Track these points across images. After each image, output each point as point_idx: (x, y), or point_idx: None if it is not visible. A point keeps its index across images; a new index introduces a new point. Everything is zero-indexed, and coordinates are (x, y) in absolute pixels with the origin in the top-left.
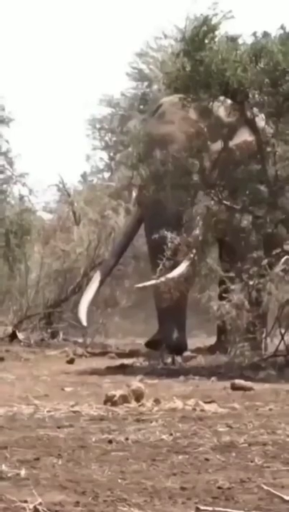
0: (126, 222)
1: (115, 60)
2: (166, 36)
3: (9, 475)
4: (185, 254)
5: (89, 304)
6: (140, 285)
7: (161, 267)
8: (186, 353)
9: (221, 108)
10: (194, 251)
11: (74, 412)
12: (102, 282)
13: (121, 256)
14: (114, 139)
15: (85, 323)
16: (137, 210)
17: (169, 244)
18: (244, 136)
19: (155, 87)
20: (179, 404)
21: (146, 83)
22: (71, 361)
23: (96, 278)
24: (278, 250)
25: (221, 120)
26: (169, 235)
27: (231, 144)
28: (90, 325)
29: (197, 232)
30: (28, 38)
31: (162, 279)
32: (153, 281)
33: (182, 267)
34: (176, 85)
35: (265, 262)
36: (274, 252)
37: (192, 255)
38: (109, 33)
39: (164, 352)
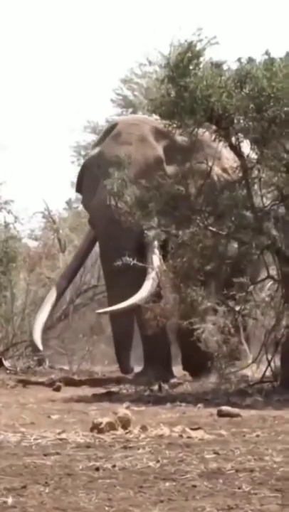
0: (80, 244)
1: (100, 87)
2: (150, 62)
3: None
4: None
5: (42, 327)
6: (101, 311)
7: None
8: (173, 380)
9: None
10: (157, 274)
11: (61, 439)
12: (55, 304)
13: (73, 279)
14: None
15: (40, 347)
16: (90, 231)
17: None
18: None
19: (140, 113)
20: (165, 431)
21: (130, 109)
22: (57, 389)
23: (48, 300)
24: (264, 276)
25: (177, 143)
26: (128, 260)
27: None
28: (76, 352)
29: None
30: (12, 64)
31: (125, 304)
32: (122, 304)
33: (144, 291)
34: (161, 111)
35: (251, 287)
36: (260, 278)
37: (153, 277)
38: (93, 59)
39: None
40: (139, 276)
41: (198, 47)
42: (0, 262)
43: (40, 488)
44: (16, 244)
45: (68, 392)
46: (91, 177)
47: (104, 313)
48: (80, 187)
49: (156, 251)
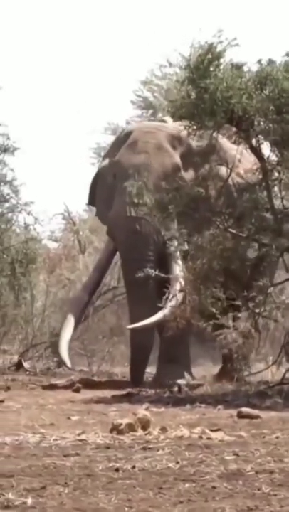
0: (98, 255)
1: (120, 88)
2: (170, 64)
3: (16, 503)
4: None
5: (68, 344)
6: (131, 326)
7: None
8: (192, 382)
9: (193, 137)
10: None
11: (80, 440)
12: (78, 320)
13: (94, 292)
14: None
15: (69, 365)
16: (109, 241)
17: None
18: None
19: (160, 115)
20: (185, 432)
21: (151, 111)
22: (77, 390)
23: (71, 317)
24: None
25: (193, 149)
26: (150, 271)
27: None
28: (96, 353)
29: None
30: (32, 65)
31: (154, 319)
32: (148, 320)
33: (171, 306)
34: (181, 113)
35: (271, 289)
36: (280, 280)
37: (178, 289)
38: (114, 60)
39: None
40: (161, 287)
41: (219, 48)
42: (20, 263)
43: (60, 488)
44: (35, 245)
45: (88, 393)
46: (105, 187)
47: (134, 328)
48: (92, 199)
49: (180, 262)
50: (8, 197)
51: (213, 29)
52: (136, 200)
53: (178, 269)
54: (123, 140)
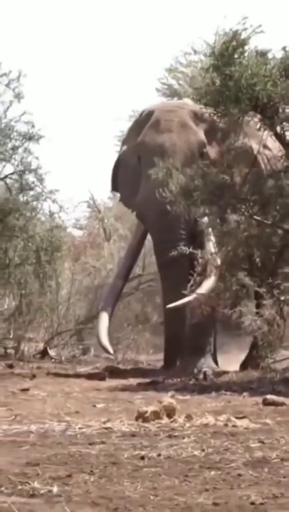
0: (129, 240)
1: (145, 76)
2: (195, 51)
3: (41, 492)
4: (212, 269)
5: (107, 332)
6: (172, 305)
7: (192, 282)
8: (218, 369)
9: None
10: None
11: (106, 428)
12: (114, 307)
13: (128, 277)
14: None
15: (111, 351)
16: (139, 225)
17: (200, 260)
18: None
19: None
20: (210, 419)
21: (175, 98)
22: (102, 378)
23: (106, 303)
24: None
25: (216, 125)
26: (188, 250)
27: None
28: (121, 341)
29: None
30: (58, 52)
31: (194, 295)
32: (186, 299)
33: (211, 282)
34: (206, 100)
35: None
36: None
37: (217, 270)
38: (138, 48)
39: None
40: (194, 267)
41: (243, 36)
42: (45, 251)
43: (86, 476)
44: (60, 233)
45: (113, 381)
46: (129, 172)
47: (175, 307)
48: (115, 185)
49: (213, 238)
50: (33, 185)
51: (238, 16)
52: (164, 180)
53: (212, 245)
54: (144, 121)
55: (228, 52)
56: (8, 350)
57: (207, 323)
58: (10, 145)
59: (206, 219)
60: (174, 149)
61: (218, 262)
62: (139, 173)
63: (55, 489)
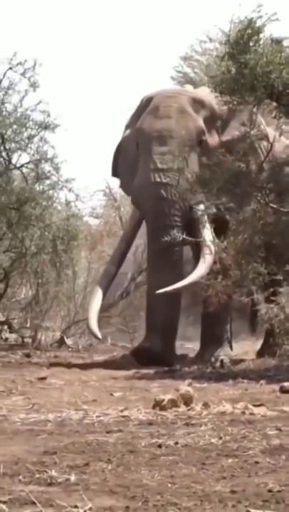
0: (125, 226)
1: (160, 64)
2: (210, 39)
3: (59, 480)
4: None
5: (97, 316)
6: (162, 290)
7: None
8: (235, 357)
9: (214, 100)
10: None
11: (123, 416)
12: (105, 293)
13: (122, 263)
14: None
15: (99, 336)
16: (135, 211)
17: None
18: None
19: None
20: (228, 407)
21: (191, 87)
22: (119, 366)
23: (99, 289)
24: None
25: (216, 112)
26: (181, 236)
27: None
28: (138, 329)
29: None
30: (73, 42)
31: (185, 282)
32: (175, 285)
33: (202, 270)
34: (221, 89)
35: None
36: None
37: (209, 253)
38: (153, 36)
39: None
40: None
41: (259, 23)
42: (61, 240)
43: (103, 465)
44: (77, 222)
45: (130, 369)
46: (128, 157)
47: (165, 292)
48: (116, 170)
49: (208, 225)
50: (49, 174)
51: (253, 4)
52: (161, 166)
53: (207, 233)
54: (144, 107)
55: (243, 40)
56: (26, 340)
57: (222, 311)
58: (26, 134)
59: (201, 206)
60: (171, 135)
61: (213, 250)
62: (138, 159)
63: (72, 478)
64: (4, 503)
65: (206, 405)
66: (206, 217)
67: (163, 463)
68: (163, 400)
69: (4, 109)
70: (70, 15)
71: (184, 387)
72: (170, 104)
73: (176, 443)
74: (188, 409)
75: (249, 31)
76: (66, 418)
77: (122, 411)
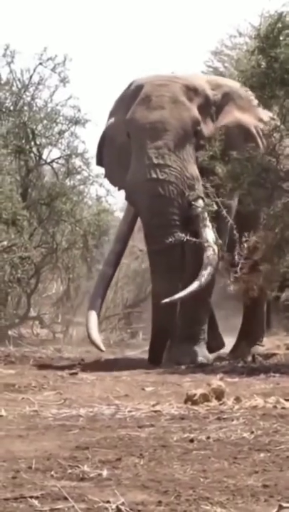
0: (119, 225)
1: (191, 59)
2: (240, 34)
3: (91, 475)
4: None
5: (97, 324)
6: (167, 300)
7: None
8: (266, 351)
9: (207, 86)
10: (216, 251)
11: (155, 411)
12: (103, 297)
13: (118, 264)
14: None
15: (102, 348)
16: (129, 209)
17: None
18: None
19: None
20: (259, 402)
21: None
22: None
23: (96, 293)
24: None
25: (210, 100)
26: (183, 237)
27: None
28: None
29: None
30: (104, 37)
31: (190, 289)
32: (179, 295)
33: (206, 274)
34: (252, 83)
35: None
36: None
37: (212, 255)
38: (184, 32)
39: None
40: (189, 255)
41: None
42: (92, 235)
43: (135, 460)
44: (108, 217)
45: (162, 364)
46: (116, 147)
47: (170, 302)
48: (100, 159)
49: (209, 223)
50: (79, 169)
51: None
52: (156, 161)
53: (209, 232)
54: (132, 95)
55: (273, 34)
56: (57, 335)
57: (258, 305)
58: (56, 129)
59: (200, 202)
60: (165, 128)
61: (216, 250)
62: (127, 151)
63: (104, 473)
64: (36, 498)
65: (237, 400)
66: (206, 214)
67: (195, 457)
68: (195, 395)
69: (35, 105)
70: (101, 9)
71: (216, 381)
72: (163, 94)
73: (208, 437)
74: (220, 404)
75: (279, 25)
76: (98, 413)
77: (153, 406)
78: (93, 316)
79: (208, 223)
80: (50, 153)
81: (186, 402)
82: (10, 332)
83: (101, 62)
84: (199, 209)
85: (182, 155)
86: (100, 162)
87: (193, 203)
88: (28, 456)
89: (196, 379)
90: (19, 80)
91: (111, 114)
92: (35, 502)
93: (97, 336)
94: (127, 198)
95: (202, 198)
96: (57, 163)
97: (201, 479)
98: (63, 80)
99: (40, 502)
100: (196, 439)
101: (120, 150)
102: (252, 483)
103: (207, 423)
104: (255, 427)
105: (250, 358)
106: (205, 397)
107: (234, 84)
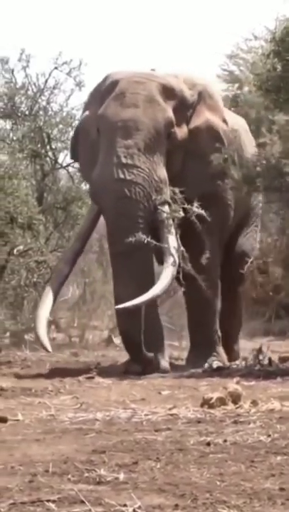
0: (81, 223)
1: (206, 63)
2: (256, 37)
3: (108, 479)
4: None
5: (47, 322)
6: (121, 306)
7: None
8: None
9: (184, 86)
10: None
11: (171, 415)
12: (57, 294)
13: (75, 262)
14: None
15: (49, 348)
16: (93, 207)
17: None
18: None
19: (246, 88)
20: (276, 405)
21: (237, 85)
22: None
23: (49, 290)
24: None
25: (186, 101)
26: (146, 239)
27: None
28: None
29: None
30: (118, 41)
31: (145, 298)
32: (137, 300)
33: (165, 282)
34: (267, 86)
35: None
36: None
37: (173, 262)
38: (199, 36)
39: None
40: (151, 260)
41: None
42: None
43: (152, 463)
44: None
45: (178, 368)
46: (88, 143)
47: (125, 308)
48: (75, 153)
49: (173, 230)
50: None
51: None
52: (125, 161)
53: (171, 239)
54: (108, 90)
55: (288, 38)
56: (73, 339)
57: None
58: (72, 134)
59: (166, 208)
60: (137, 127)
61: (177, 259)
62: (97, 146)
63: (121, 476)
64: (53, 502)
65: (254, 403)
66: (171, 220)
67: (212, 461)
68: (211, 398)
69: (50, 109)
70: (117, 14)
71: (232, 385)
72: (138, 92)
73: (225, 441)
74: (237, 407)
75: None
76: (114, 417)
77: (170, 409)
78: (43, 314)
79: (172, 230)
80: (66, 158)
81: (202, 405)
82: (26, 336)
83: (116, 66)
84: (164, 214)
85: (152, 157)
86: (74, 156)
87: (159, 207)
88: (45, 459)
89: (212, 382)
90: (34, 84)
91: (85, 108)
92: (52, 505)
93: (44, 336)
94: (92, 195)
95: (169, 204)
96: (72, 167)
97: (218, 483)
98: (79, 84)
99: (57, 506)
100: (213, 442)
101: (91, 145)
102: (269, 487)
103: (224, 426)
104: (272, 431)
105: (266, 361)
106: (222, 401)
107: (206, 83)
